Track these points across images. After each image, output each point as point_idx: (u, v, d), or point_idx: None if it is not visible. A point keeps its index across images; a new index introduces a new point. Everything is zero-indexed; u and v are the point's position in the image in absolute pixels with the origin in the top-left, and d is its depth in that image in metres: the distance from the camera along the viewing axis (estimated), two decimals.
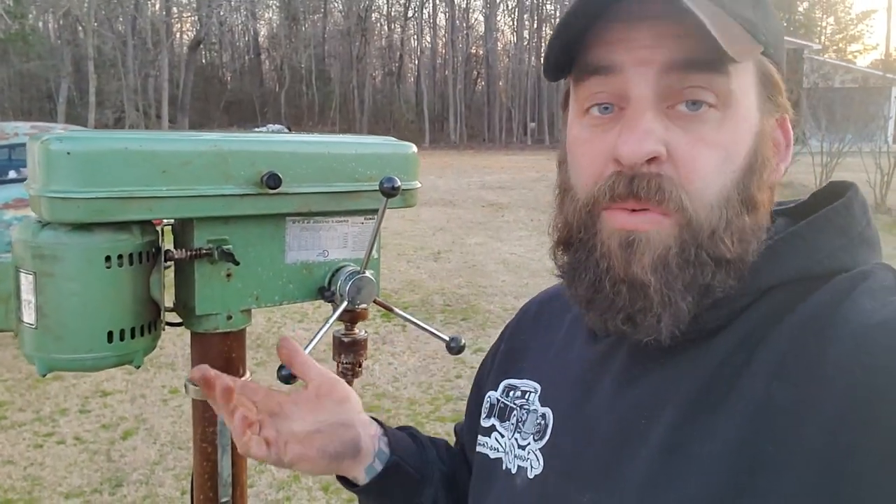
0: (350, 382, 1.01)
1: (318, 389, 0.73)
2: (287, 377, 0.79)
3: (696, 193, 0.52)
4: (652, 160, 0.51)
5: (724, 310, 0.53)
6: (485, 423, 0.70)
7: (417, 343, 4.88)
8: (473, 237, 9.21)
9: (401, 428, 0.85)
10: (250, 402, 0.69)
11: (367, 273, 0.92)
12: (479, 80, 50.14)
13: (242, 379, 0.81)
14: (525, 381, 0.68)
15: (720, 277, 0.52)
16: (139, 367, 0.83)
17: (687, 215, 0.52)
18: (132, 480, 3.18)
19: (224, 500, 0.90)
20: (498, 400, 0.69)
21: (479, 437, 0.69)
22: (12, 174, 5.98)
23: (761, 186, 0.54)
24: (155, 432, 3.63)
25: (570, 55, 0.55)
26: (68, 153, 0.73)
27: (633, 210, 0.53)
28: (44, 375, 0.81)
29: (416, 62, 50.81)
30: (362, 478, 0.72)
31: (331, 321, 0.90)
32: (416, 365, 4.60)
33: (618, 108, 0.54)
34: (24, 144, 6.28)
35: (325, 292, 0.93)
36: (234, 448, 0.91)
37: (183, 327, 0.89)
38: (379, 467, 0.72)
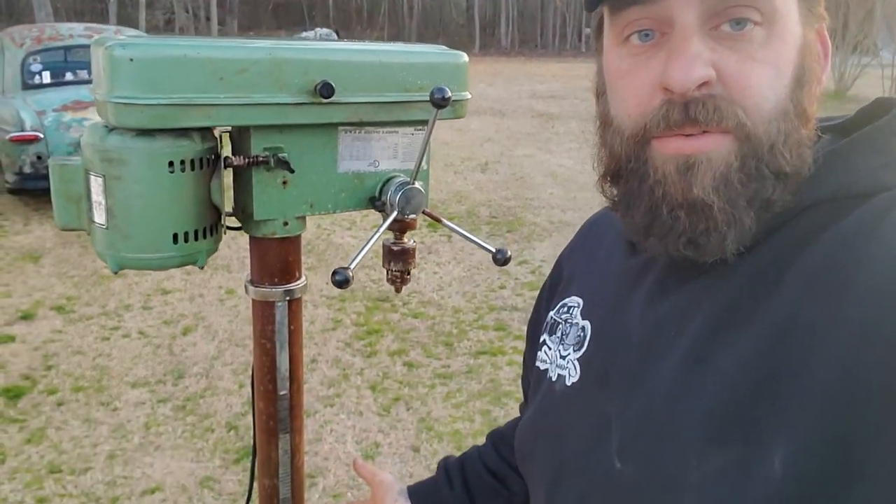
0: (399, 289, 1.05)
1: (375, 494, 0.96)
2: (341, 282, 0.82)
3: (753, 109, 0.51)
4: (703, 84, 0.51)
5: (762, 227, 0.53)
6: (540, 340, 0.73)
7: (462, 254, 4.94)
8: (522, 148, 9.08)
9: (445, 460, 0.98)
10: None
11: (417, 184, 0.94)
12: None
13: None
14: (572, 297, 0.70)
15: (779, 192, 0.52)
16: (202, 267, 0.88)
17: (746, 130, 0.51)
18: (193, 373, 3.39)
19: (282, 392, 0.97)
20: (552, 318, 0.72)
21: (537, 353, 0.72)
22: (69, 76, 6.08)
23: (811, 99, 0.54)
24: (213, 329, 3.83)
25: None
26: (131, 59, 0.76)
27: (688, 135, 0.52)
28: (115, 273, 0.86)
29: None
30: None
31: (380, 231, 0.93)
32: (460, 275, 4.68)
33: (659, 33, 0.53)
34: (79, 46, 6.37)
35: (375, 202, 0.95)
36: (291, 345, 0.97)
37: (242, 231, 0.93)
38: None
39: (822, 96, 0.57)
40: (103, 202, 0.83)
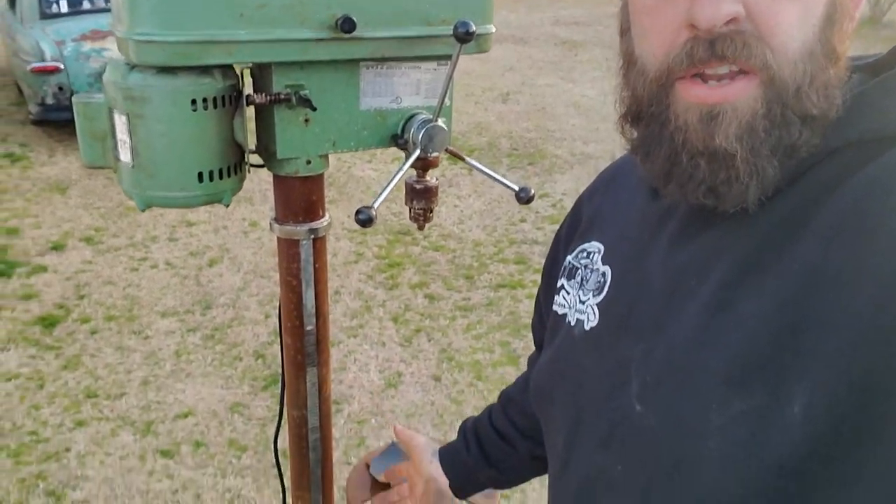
0: (421, 227, 1.06)
1: (414, 457, 1.02)
2: (364, 221, 0.82)
3: (780, 48, 0.50)
4: (731, 21, 0.49)
5: (786, 172, 0.52)
6: (557, 284, 0.73)
7: (483, 187, 4.92)
8: (544, 78, 8.86)
9: (464, 422, 1.02)
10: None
11: (440, 121, 0.93)
12: None
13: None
14: (592, 242, 0.70)
15: (806, 136, 0.51)
16: (228, 205, 0.89)
17: (771, 73, 0.50)
18: (220, 303, 3.47)
19: (308, 328, 0.99)
20: (569, 262, 0.72)
21: (554, 297, 0.73)
22: (86, 4, 6.00)
23: (842, 37, 0.52)
24: (238, 261, 3.90)
25: None
26: None
27: (711, 80, 0.51)
28: (143, 210, 0.88)
29: None
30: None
31: (403, 169, 0.92)
32: (481, 208, 4.67)
33: None
34: None
35: (398, 140, 0.95)
36: (316, 281, 0.98)
37: (265, 169, 0.93)
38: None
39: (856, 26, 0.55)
40: (128, 140, 0.83)
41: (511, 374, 2.97)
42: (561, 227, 0.81)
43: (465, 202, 4.76)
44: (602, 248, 0.68)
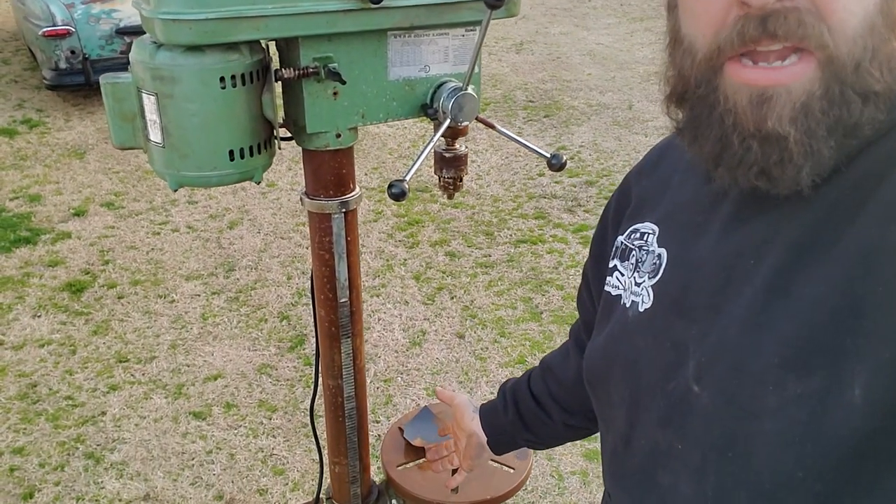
0: (451, 195, 1.05)
1: (456, 414, 1.06)
2: (398, 195, 0.82)
3: (838, 25, 0.47)
4: None
5: (843, 151, 0.50)
6: (610, 265, 0.72)
7: (500, 141, 4.86)
8: (558, 26, 8.65)
9: (504, 384, 1.04)
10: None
11: (469, 89, 0.91)
12: None
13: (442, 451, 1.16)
14: (646, 223, 0.69)
15: (869, 113, 0.49)
16: (259, 182, 0.89)
17: (828, 51, 0.47)
18: (242, 266, 3.51)
19: (342, 300, 1.00)
20: (622, 243, 0.71)
21: (607, 277, 0.72)
22: None
23: None
24: (258, 223, 3.91)
25: None
26: None
27: (762, 60, 0.49)
28: (175, 191, 0.88)
29: None
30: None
31: (435, 138, 0.91)
32: (498, 163, 4.63)
33: None
34: None
35: (427, 110, 0.93)
36: (349, 254, 0.99)
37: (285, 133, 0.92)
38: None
39: None
40: (158, 121, 0.82)
41: (534, 330, 2.99)
42: (609, 204, 0.80)
43: (483, 157, 4.71)
44: (657, 229, 0.67)
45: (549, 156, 0.96)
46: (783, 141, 0.49)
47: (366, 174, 4.43)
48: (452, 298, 3.24)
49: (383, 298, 3.24)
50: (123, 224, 3.92)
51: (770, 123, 0.49)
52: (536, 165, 4.49)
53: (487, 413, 1.02)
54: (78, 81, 5.27)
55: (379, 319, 3.09)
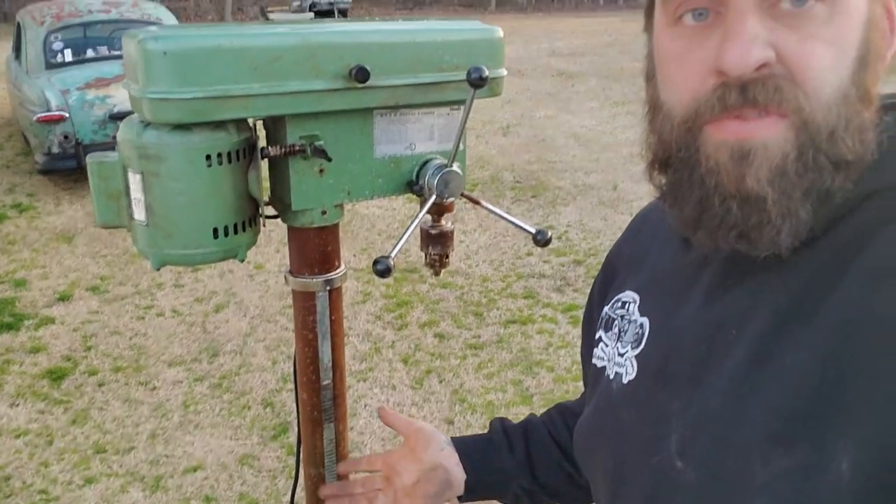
0: (438, 272, 1.04)
1: (411, 443, 0.90)
2: (383, 271, 0.81)
3: (814, 93, 0.48)
4: (762, 66, 0.48)
5: (820, 218, 0.50)
6: (596, 336, 0.71)
7: (488, 220, 4.91)
8: (543, 109, 8.95)
9: (493, 422, 0.95)
10: (375, 479, 0.92)
11: (455, 166, 0.92)
12: None
13: (360, 475, 0.97)
14: (627, 292, 0.68)
15: (839, 181, 0.49)
16: (243, 260, 0.88)
17: (804, 116, 0.48)
18: (227, 350, 3.44)
19: (325, 382, 0.96)
20: (606, 313, 0.70)
21: (594, 349, 0.71)
22: (90, 53, 6.08)
23: (875, 79, 0.51)
24: (244, 306, 3.87)
25: None
26: (164, 53, 0.74)
27: (744, 118, 0.49)
28: (157, 269, 0.86)
29: None
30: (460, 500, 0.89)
31: (420, 214, 0.91)
32: (487, 242, 4.66)
33: (714, 13, 0.50)
34: (98, 22, 6.34)
35: (413, 186, 0.93)
36: (333, 334, 0.96)
37: (279, 220, 0.92)
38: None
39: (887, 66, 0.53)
40: (142, 199, 0.82)
41: (524, 414, 2.91)
42: (594, 285, 0.79)
43: (471, 237, 4.75)
44: (638, 298, 0.66)
45: (534, 231, 0.96)
46: (762, 202, 0.49)
47: (354, 255, 4.43)
48: (441, 382, 3.18)
49: (370, 383, 3.17)
50: (108, 308, 3.87)
51: (749, 182, 0.49)
52: (525, 245, 4.52)
53: (474, 450, 0.89)
54: (70, 166, 5.33)
55: (365, 405, 3.01)
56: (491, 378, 3.19)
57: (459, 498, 0.89)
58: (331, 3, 17.27)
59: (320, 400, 0.98)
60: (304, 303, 0.94)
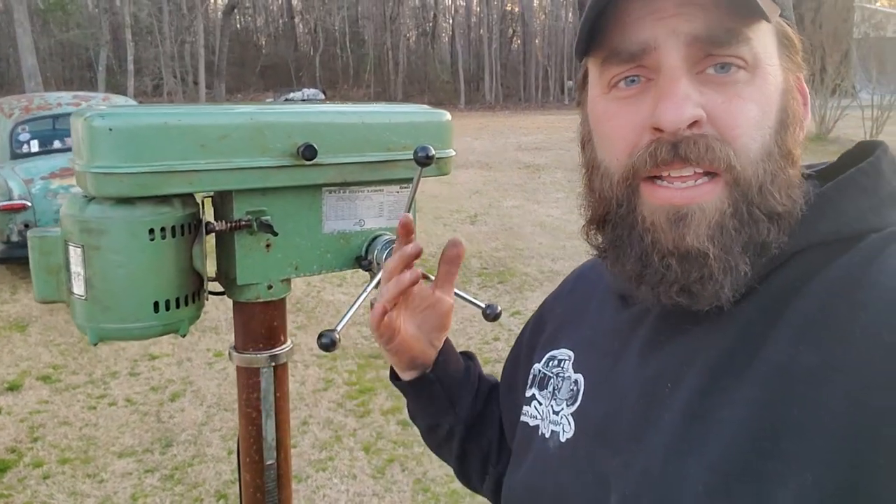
0: None
1: (438, 302, 0.84)
2: (327, 345, 0.80)
3: (742, 149, 0.51)
4: (693, 124, 0.51)
5: (755, 272, 0.52)
6: (527, 394, 0.71)
7: (455, 306, 4.91)
8: (510, 199, 9.16)
9: (465, 354, 0.89)
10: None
11: None
12: (514, 38, 49.12)
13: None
14: (562, 349, 0.69)
15: (774, 233, 0.52)
16: (184, 335, 0.86)
17: (735, 172, 0.51)
18: (181, 440, 3.30)
19: (269, 462, 0.93)
20: (539, 371, 0.70)
21: (523, 406, 0.70)
22: (57, 144, 6.11)
23: (795, 142, 0.55)
24: (201, 394, 3.75)
25: (594, 36, 0.54)
26: (110, 129, 0.75)
27: (677, 181, 0.52)
28: (95, 345, 0.84)
29: (451, 21, 50.07)
30: (406, 377, 0.83)
31: (368, 290, 0.91)
32: (453, 328, 4.62)
33: (645, 79, 0.54)
34: (68, 114, 6.41)
35: (362, 261, 0.94)
36: (277, 412, 0.94)
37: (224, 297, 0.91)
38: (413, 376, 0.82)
39: (805, 140, 0.57)
40: (82, 273, 0.81)
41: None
42: (524, 330, 0.79)
43: None
44: (572, 354, 0.67)
45: (483, 306, 0.97)
46: (703, 258, 0.51)
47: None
48: (404, 471, 3.07)
49: (329, 473, 3.06)
50: (58, 398, 3.72)
51: (689, 240, 0.51)
52: (492, 330, 4.51)
53: (454, 379, 0.83)
54: (28, 254, 5.25)
55: (324, 496, 2.89)
56: None
57: (398, 384, 0.85)
58: (303, 101, 17.79)
59: (264, 481, 0.94)
60: (247, 379, 0.92)
